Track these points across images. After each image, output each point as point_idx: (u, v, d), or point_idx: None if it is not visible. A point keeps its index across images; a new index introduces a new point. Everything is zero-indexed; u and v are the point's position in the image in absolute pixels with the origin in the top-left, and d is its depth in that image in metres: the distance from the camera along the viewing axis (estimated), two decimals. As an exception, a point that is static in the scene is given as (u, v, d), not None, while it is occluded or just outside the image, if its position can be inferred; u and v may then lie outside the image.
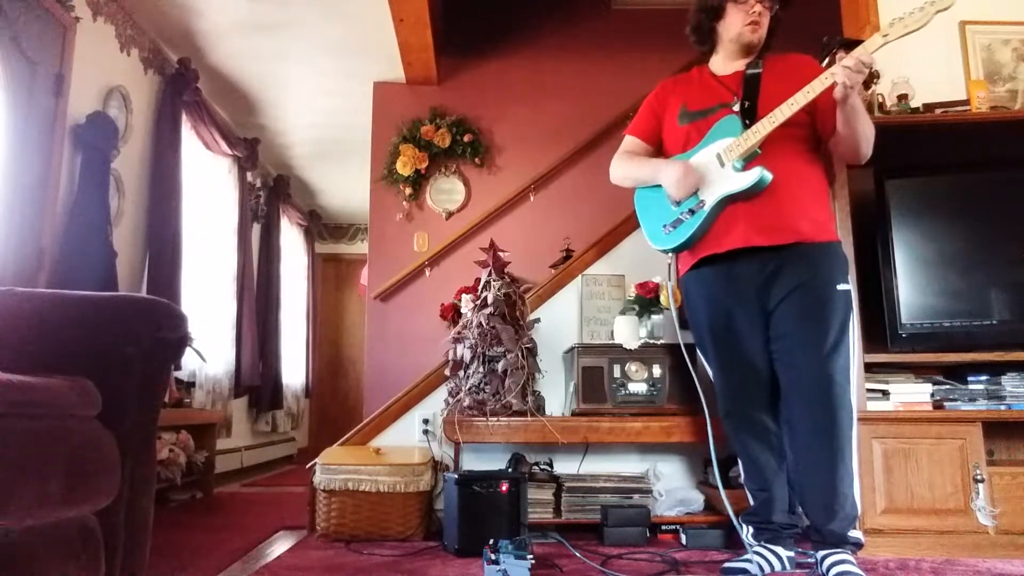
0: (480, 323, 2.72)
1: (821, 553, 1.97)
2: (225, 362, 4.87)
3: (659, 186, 2.20)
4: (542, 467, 2.83)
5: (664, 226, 2.17)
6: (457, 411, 2.68)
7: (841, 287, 2.02)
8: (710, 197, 2.06)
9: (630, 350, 2.70)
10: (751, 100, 2.06)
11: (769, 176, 1.99)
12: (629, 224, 3.15)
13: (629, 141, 2.34)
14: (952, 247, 2.44)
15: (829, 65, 2.13)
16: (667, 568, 2.16)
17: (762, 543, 2.09)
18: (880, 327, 2.42)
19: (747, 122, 2.04)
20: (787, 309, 2.02)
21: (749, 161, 2.02)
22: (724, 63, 2.21)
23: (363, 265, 5.49)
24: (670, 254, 2.24)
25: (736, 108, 2.09)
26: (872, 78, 2.57)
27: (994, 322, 2.38)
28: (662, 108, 2.28)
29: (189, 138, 4.40)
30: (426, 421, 2.93)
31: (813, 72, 2.00)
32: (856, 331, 2.10)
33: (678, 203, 2.12)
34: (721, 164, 2.05)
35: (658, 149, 2.31)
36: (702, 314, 2.18)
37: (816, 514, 1.99)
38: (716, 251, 2.08)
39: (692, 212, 2.09)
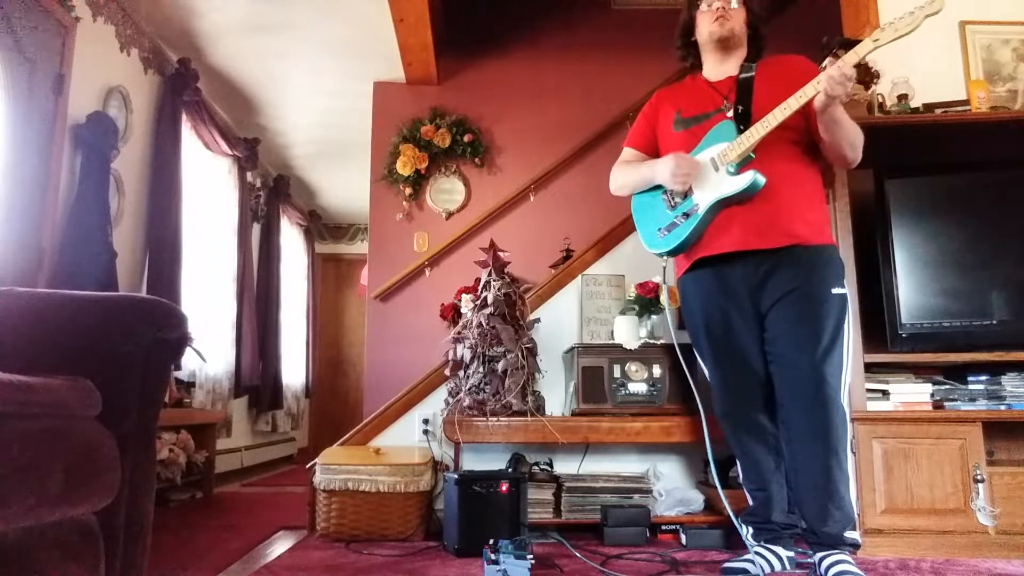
0: (480, 323, 2.72)
1: (819, 555, 1.97)
2: (225, 362, 4.87)
3: (655, 191, 2.21)
4: (542, 467, 2.83)
5: (659, 230, 2.18)
6: (457, 411, 2.68)
7: (836, 291, 2.02)
8: (704, 201, 2.07)
9: (630, 350, 2.70)
10: (744, 104, 2.06)
11: (762, 180, 2.00)
12: (629, 224, 3.13)
13: (626, 152, 2.37)
14: (952, 247, 2.44)
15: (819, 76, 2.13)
16: (667, 568, 2.16)
17: (762, 543, 2.09)
18: (880, 327, 2.42)
19: (741, 127, 2.05)
20: (781, 312, 2.02)
21: (743, 165, 2.02)
22: (714, 68, 2.23)
23: (363, 265, 5.48)
24: (665, 257, 2.24)
25: (729, 113, 2.10)
26: (872, 78, 2.57)
27: (994, 322, 2.38)
28: (656, 117, 2.30)
29: (189, 138, 4.40)
30: (426, 421, 2.93)
31: (805, 71, 2.00)
32: (852, 333, 2.09)
33: (674, 205, 2.13)
34: (715, 168, 2.06)
35: (655, 158, 2.32)
36: (698, 315, 2.18)
37: (812, 516, 1.98)
38: (711, 253, 2.09)
39: (687, 216, 2.10)
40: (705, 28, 2.17)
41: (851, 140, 2.03)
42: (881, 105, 2.56)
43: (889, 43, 1.88)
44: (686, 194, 2.12)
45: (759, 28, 2.20)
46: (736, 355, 2.11)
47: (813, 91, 1.92)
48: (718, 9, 2.14)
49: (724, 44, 2.17)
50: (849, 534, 1.98)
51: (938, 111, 2.53)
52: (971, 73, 2.76)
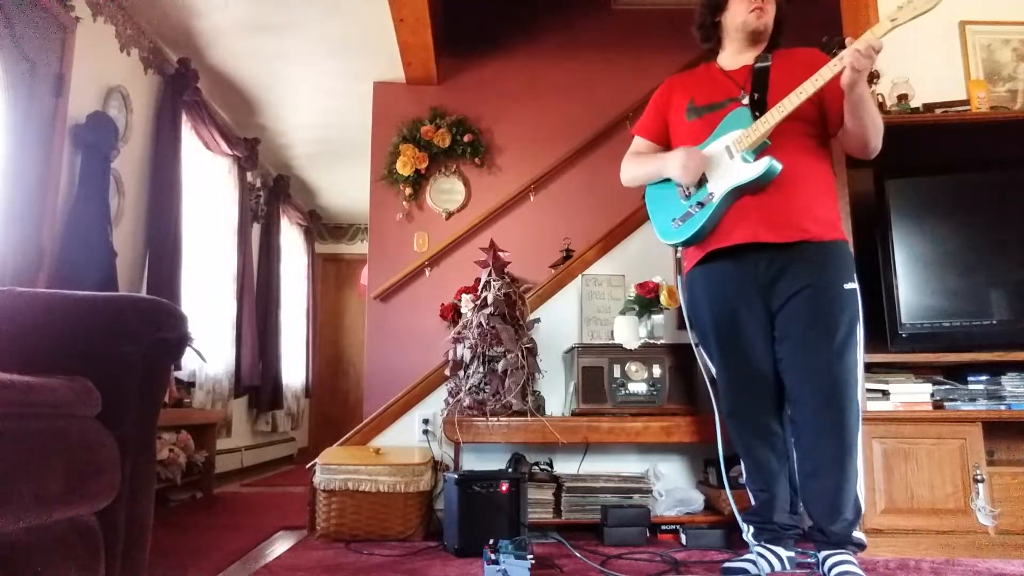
0: (480, 323, 2.72)
1: (823, 554, 1.97)
2: (225, 362, 4.87)
3: (668, 181, 2.19)
4: (542, 467, 2.83)
5: (673, 220, 2.15)
6: (457, 411, 2.68)
7: (848, 286, 2.01)
8: (719, 189, 2.05)
9: (630, 350, 2.70)
10: (760, 92, 2.04)
11: (778, 166, 1.97)
12: (629, 224, 3.15)
13: (637, 142, 2.34)
14: (952, 247, 2.44)
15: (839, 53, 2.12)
16: (667, 568, 2.16)
17: (762, 543, 2.09)
18: (880, 327, 2.42)
19: (756, 114, 2.02)
20: (794, 309, 2.01)
21: (759, 152, 2.00)
22: (732, 57, 2.20)
23: (363, 265, 5.49)
24: (678, 249, 2.23)
25: (745, 100, 2.07)
26: (872, 77, 2.57)
27: (994, 322, 2.38)
28: (667, 105, 2.27)
29: (189, 138, 4.40)
30: (426, 421, 2.93)
31: (821, 64, 1.96)
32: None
33: (688, 195, 2.11)
34: (731, 156, 2.04)
35: (666, 147, 2.30)
36: (706, 311, 2.17)
37: (820, 514, 1.98)
38: (723, 245, 2.06)
39: (701, 205, 2.08)
40: (740, 16, 2.11)
41: (875, 124, 2.01)
42: (881, 105, 2.56)
43: (909, 20, 1.84)
44: (700, 183, 2.09)
45: (782, 21, 2.17)
46: (743, 352, 2.10)
47: (830, 73, 1.90)
48: (759, 0, 2.08)
49: (755, 37, 2.14)
50: (856, 534, 1.98)
51: (938, 111, 2.52)
52: (971, 73, 2.75)
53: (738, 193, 2.03)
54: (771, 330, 2.07)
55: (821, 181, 2.08)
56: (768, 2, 2.10)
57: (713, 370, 2.23)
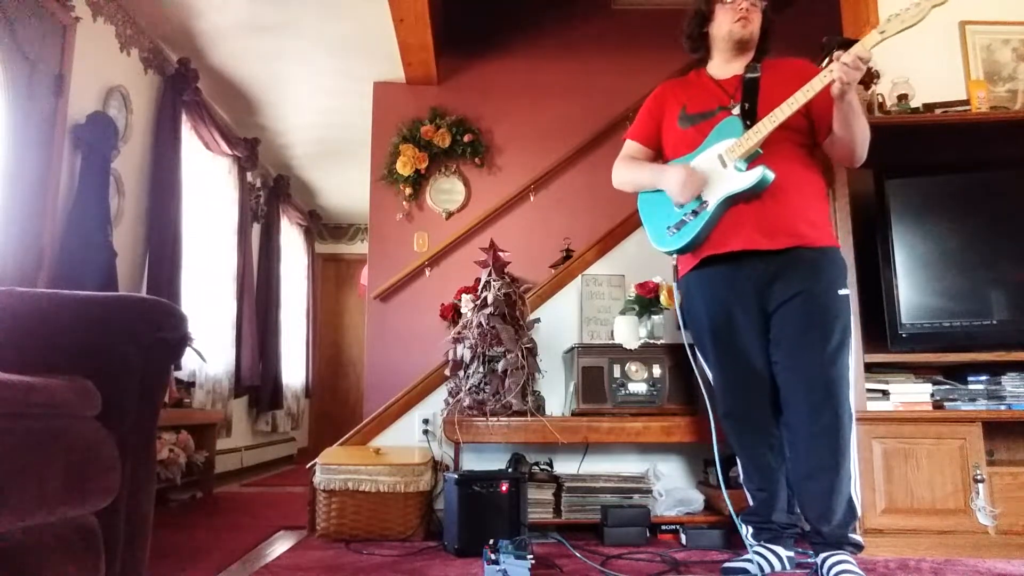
0: (480, 323, 2.72)
1: (822, 556, 1.97)
2: (225, 362, 4.87)
3: (661, 190, 2.20)
4: (542, 467, 2.83)
5: (668, 228, 2.16)
6: (457, 411, 2.68)
7: (841, 292, 2.03)
8: (713, 198, 2.06)
9: (630, 350, 2.70)
10: (750, 102, 2.06)
11: (771, 175, 1.99)
12: (629, 224, 3.15)
13: (629, 146, 2.35)
14: (952, 247, 2.44)
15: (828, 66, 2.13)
16: (667, 568, 2.16)
17: (762, 543, 2.09)
18: (880, 327, 2.42)
19: (747, 123, 2.05)
20: (788, 314, 2.02)
21: (751, 161, 2.02)
22: (721, 66, 2.22)
23: (363, 265, 5.48)
24: (674, 256, 2.24)
25: (736, 110, 2.09)
26: (872, 78, 2.57)
27: (994, 322, 2.38)
28: (661, 111, 2.29)
29: (189, 138, 4.40)
30: (426, 421, 2.93)
31: (811, 74, 1.99)
32: (855, 333, 2.10)
33: (682, 206, 2.13)
34: (723, 165, 2.06)
35: (658, 152, 2.32)
36: (703, 314, 2.18)
37: (816, 517, 1.99)
38: (718, 252, 2.08)
39: (695, 213, 2.09)
40: (726, 25, 2.14)
41: (863, 134, 2.03)
42: (881, 105, 2.56)
43: (896, 34, 1.87)
44: None
45: (769, 30, 2.20)
46: (740, 355, 2.11)
47: (820, 84, 1.92)
48: (743, 10, 2.11)
49: (742, 45, 2.16)
50: (852, 535, 1.98)
51: (938, 111, 2.52)
52: (971, 73, 2.75)
53: (732, 201, 2.05)
54: (767, 331, 2.09)
55: (812, 188, 2.11)
56: (753, 11, 2.13)
57: (709, 373, 2.24)
